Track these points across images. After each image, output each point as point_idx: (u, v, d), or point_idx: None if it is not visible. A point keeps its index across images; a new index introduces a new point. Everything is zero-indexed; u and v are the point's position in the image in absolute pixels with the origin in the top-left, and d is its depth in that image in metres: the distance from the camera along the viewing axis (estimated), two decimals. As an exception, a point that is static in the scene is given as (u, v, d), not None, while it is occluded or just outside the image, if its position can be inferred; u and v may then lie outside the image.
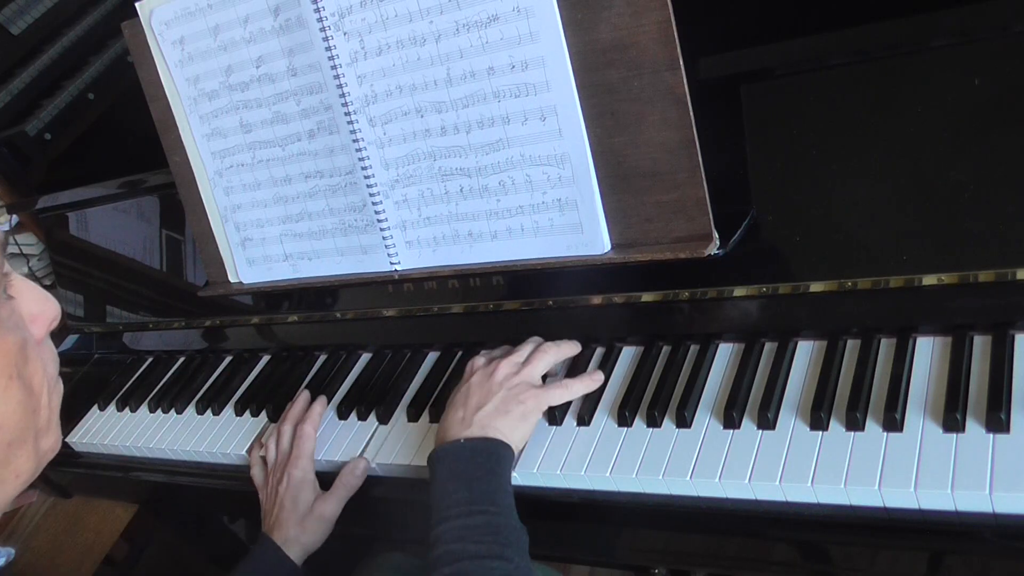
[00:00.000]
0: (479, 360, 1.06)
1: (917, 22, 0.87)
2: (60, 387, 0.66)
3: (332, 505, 1.09)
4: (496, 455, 0.94)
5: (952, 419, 0.82)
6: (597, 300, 1.08)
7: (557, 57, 0.95)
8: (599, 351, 1.10)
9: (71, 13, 1.63)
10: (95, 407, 1.51)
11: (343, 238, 1.18)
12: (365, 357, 1.30)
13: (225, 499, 1.35)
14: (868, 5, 0.91)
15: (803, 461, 0.86)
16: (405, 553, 1.22)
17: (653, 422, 0.97)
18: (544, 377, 1.05)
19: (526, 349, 1.06)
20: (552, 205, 1.02)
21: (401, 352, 1.26)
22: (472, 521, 0.88)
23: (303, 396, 1.23)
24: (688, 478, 0.90)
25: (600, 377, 1.05)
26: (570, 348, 1.08)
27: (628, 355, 1.09)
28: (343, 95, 1.09)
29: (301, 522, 1.08)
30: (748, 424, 0.92)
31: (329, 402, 1.23)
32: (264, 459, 1.18)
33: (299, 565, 1.07)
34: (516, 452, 0.97)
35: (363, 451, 1.14)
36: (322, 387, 1.27)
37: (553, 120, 0.98)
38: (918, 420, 0.85)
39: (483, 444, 0.95)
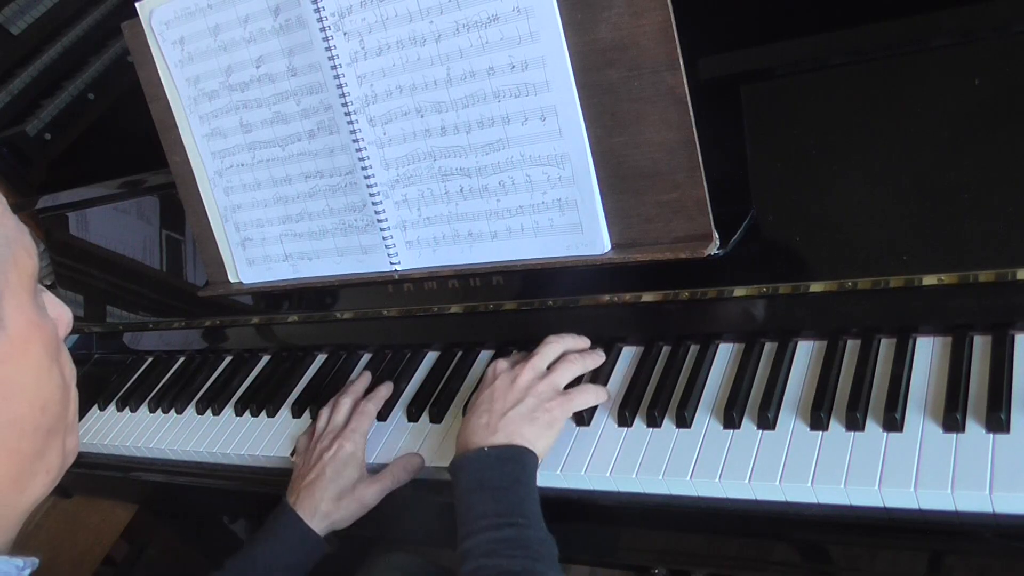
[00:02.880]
0: (501, 364, 1.02)
1: (917, 22, 0.86)
2: (76, 392, 0.67)
3: (374, 492, 1.04)
4: (522, 463, 0.92)
5: (952, 419, 0.82)
6: (597, 300, 1.07)
7: (557, 57, 0.95)
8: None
9: (71, 13, 1.63)
10: (95, 407, 1.51)
11: (343, 238, 1.18)
12: (365, 357, 1.30)
13: (225, 499, 1.35)
14: (868, 5, 0.91)
15: (803, 461, 0.86)
16: (406, 553, 1.22)
17: (653, 422, 0.97)
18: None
19: (548, 353, 1.03)
20: (552, 205, 1.02)
21: (401, 352, 1.26)
22: (501, 534, 0.85)
23: (366, 375, 1.21)
24: (688, 478, 0.90)
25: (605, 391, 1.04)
26: (595, 360, 1.05)
27: (628, 355, 1.09)
28: (343, 95, 1.09)
29: (338, 498, 1.03)
30: (748, 424, 0.92)
31: (329, 401, 1.23)
32: (313, 429, 1.14)
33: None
34: (540, 461, 0.94)
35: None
36: (322, 387, 1.27)
37: (553, 120, 0.98)
38: (918, 420, 0.85)
39: (509, 452, 0.92)
